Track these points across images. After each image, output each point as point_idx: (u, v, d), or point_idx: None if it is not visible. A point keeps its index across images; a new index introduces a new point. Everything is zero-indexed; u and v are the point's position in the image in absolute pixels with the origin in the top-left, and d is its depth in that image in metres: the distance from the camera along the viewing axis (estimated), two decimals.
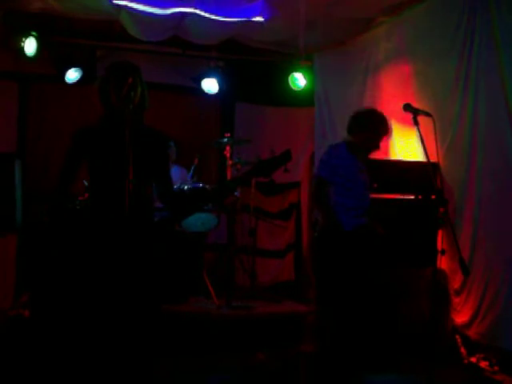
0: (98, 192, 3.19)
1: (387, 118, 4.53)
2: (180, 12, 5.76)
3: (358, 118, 4.49)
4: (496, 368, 4.74)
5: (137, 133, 3.12)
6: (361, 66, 6.51)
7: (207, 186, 5.93)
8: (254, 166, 3.12)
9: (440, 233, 4.92)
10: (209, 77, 7.32)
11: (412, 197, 5.13)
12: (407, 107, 3.69)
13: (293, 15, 5.76)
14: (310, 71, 7.30)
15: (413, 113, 3.60)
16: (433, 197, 5.03)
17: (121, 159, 2.95)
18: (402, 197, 5.16)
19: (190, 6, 5.73)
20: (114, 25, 6.26)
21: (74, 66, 6.67)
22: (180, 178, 6.68)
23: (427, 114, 3.67)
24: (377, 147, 4.49)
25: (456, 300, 5.14)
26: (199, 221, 6.28)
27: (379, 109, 6.07)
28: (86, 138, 3.17)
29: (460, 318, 5.09)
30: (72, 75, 6.70)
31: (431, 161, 3.66)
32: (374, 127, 4.43)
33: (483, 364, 4.83)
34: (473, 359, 4.92)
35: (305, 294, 7.17)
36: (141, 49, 6.92)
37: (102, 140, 3.16)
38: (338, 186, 4.20)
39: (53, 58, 6.78)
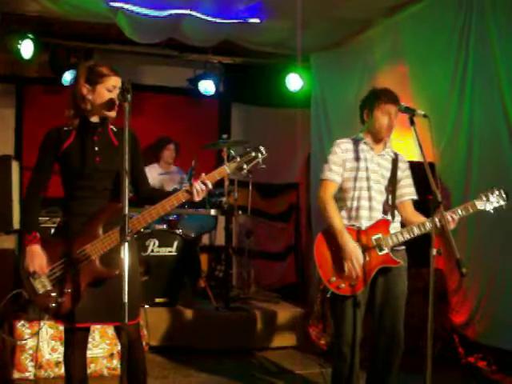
0: (71, 193, 3.17)
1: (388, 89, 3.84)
2: (176, 14, 5.76)
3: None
4: (494, 368, 4.76)
5: (107, 131, 3.17)
6: (357, 67, 6.52)
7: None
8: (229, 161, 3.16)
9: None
10: (205, 78, 7.33)
11: None
12: (404, 108, 3.70)
13: (289, 17, 5.77)
14: (306, 72, 7.31)
15: (409, 113, 3.60)
16: (429, 197, 5.04)
17: (94, 160, 3.01)
18: None
19: (187, 8, 5.74)
20: (111, 27, 6.27)
21: (71, 69, 6.67)
22: (179, 180, 6.69)
23: (424, 115, 3.67)
24: (381, 131, 3.77)
25: (454, 300, 5.16)
26: (197, 222, 6.28)
27: None
28: (59, 138, 3.17)
29: (458, 317, 5.11)
30: (69, 78, 6.70)
31: (428, 161, 3.67)
32: (368, 105, 3.82)
33: (481, 364, 4.85)
34: (471, 359, 4.94)
35: (306, 296, 7.16)
36: (137, 51, 6.93)
37: (76, 141, 3.15)
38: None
39: (50, 61, 6.78)
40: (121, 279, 2.69)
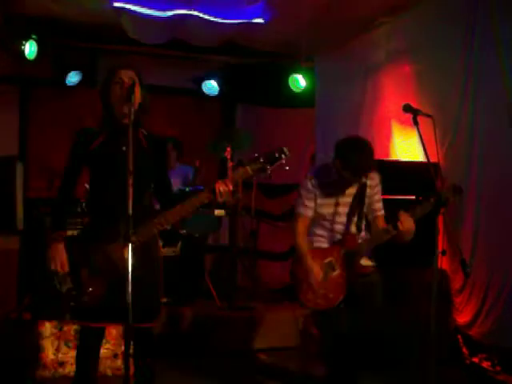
0: (99, 195, 3.20)
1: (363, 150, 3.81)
2: (180, 14, 5.77)
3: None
4: (498, 368, 4.73)
5: (137, 135, 3.15)
6: (361, 66, 6.51)
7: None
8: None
9: (441, 233, 4.92)
10: (209, 79, 7.33)
11: (412, 197, 5.12)
12: (407, 108, 3.69)
13: (293, 17, 5.77)
14: (310, 72, 7.30)
15: (413, 113, 3.59)
16: (433, 198, 5.03)
17: (123, 162, 2.96)
18: (402, 197, 5.16)
19: (191, 8, 5.74)
20: (115, 28, 6.27)
21: (75, 70, 6.68)
22: (184, 178, 6.68)
23: (427, 115, 3.67)
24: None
25: (458, 300, 5.14)
26: (201, 222, 6.28)
27: (380, 109, 6.14)
28: (88, 139, 3.18)
29: (462, 317, 5.09)
30: (72, 78, 6.71)
31: (431, 161, 3.66)
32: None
33: (485, 364, 4.82)
34: (475, 359, 4.91)
35: None
36: (141, 51, 6.93)
37: (104, 142, 3.17)
38: None
39: (53, 62, 6.79)
40: (139, 280, 2.76)
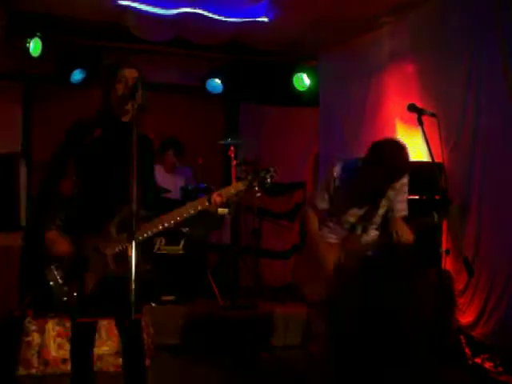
0: (90, 191, 3.17)
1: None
2: (184, 12, 5.77)
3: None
4: (500, 369, 4.72)
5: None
6: (365, 65, 6.51)
7: (211, 187, 5.95)
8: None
9: (444, 233, 4.92)
10: (213, 77, 7.32)
11: (416, 197, 5.12)
12: (412, 107, 3.69)
13: (297, 15, 5.77)
14: (314, 71, 7.29)
15: (417, 113, 3.59)
16: (437, 197, 5.02)
17: (118, 159, 2.97)
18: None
19: (195, 7, 5.75)
20: (119, 25, 6.27)
21: (79, 67, 6.68)
22: (184, 178, 6.68)
23: (432, 114, 3.66)
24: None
25: (461, 300, 5.13)
26: (203, 221, 6.28)
27: (383, 108, 6.13)
28: (82, 131, 3.17)
29: (465, 318, 5.08)
30: (76, 76, 6.71)
31: (436, 161, 3.65)
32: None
33: (488, 365, 4.81)
34: (477, 360, 4.90)
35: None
36: (145, 49, 6.92)
37: (100, 138, 3.16)
38: None
39: (57, 59, 6.78)
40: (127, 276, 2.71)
